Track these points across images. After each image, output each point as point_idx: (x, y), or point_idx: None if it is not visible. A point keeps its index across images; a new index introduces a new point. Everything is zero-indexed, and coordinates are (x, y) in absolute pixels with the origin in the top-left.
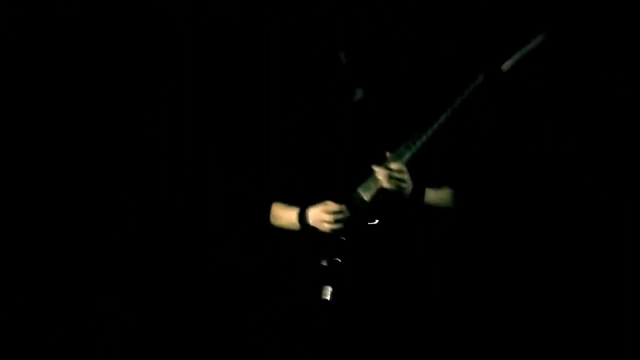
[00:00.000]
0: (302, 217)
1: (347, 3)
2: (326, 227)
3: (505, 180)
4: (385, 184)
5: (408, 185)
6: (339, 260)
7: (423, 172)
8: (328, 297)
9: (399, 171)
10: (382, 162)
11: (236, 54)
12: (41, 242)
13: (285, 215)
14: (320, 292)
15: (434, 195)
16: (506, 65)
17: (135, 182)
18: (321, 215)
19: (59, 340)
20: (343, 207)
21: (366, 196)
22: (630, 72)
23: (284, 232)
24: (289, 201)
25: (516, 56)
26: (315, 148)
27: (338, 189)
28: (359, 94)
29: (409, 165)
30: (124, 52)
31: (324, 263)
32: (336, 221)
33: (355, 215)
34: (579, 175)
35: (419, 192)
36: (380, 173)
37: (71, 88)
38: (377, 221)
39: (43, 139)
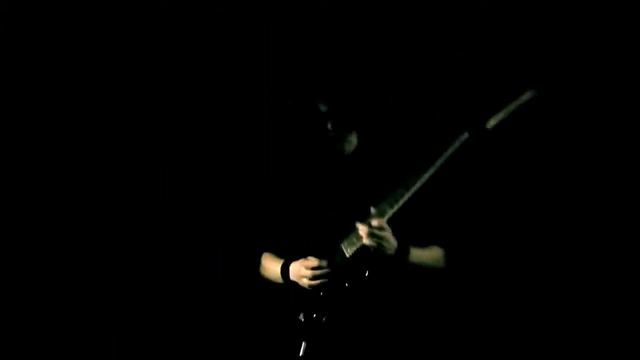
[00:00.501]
0: (284, 270)
1: (347, 3)
2: (304, 282)
3: (495, 236)
4: (366, 240)
5: (390, 244)
6: (314, 316)
7: (408, 230)
8: (301, 353)
9: (380, 228)
10: (366, 218)
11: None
12: (40, 242)
13: (271, 268)
14: (295, 347)
15: (420, 254)
16: (491, 123)
17: (133, 182)
18: (300, 270)
19: (58, 340)
20: (323, 262)
21: (348, 252)
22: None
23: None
24: (278, 252)
25: (502, 114)
26: (303, 200)
27: (323, 243)
28: (350, 146)
29: (394, 222)
30: (124, 52)
31: (301, 318)
32: (315, 277)
33: (335, 271)
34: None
35: (403, 250)
36: (362, 230)
37: (71, 88)
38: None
39: (43, 139)
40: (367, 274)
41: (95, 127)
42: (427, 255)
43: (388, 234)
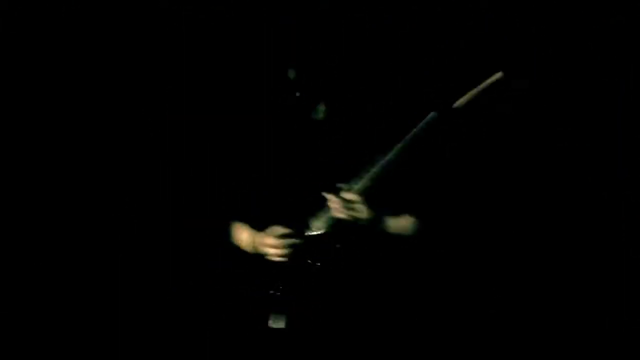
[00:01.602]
0: (250, 239)
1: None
2: (272, 251)
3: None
4: (339, 213)
5: (364, 215)
6: (281, 288)
7: (381, 201)
8: (270, 324)
9: (353, 201)
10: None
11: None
12: (38, 243)
13: (240, 235)
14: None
15: (394, 224)
16: (459, 103)
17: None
18: (266, 240)
19: (57, 340)
20: (288, 232)
21: (315, 226)
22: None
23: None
24: (247, 221)
25: (469, 95)
26: (268, 168)
27: (287, 215)
28: (319, 114)
29: (366, 195)
30: (124, 52)
31: (272, 291)
32: (280, 247)
33: (302, 245)
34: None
35: (377, 221)
36: (333, 202)
37: (71, 88)
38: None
39: (42, 139)
40: (337, 248)
41: (91, 127)
42: (400, 224)
43: (362, 206)
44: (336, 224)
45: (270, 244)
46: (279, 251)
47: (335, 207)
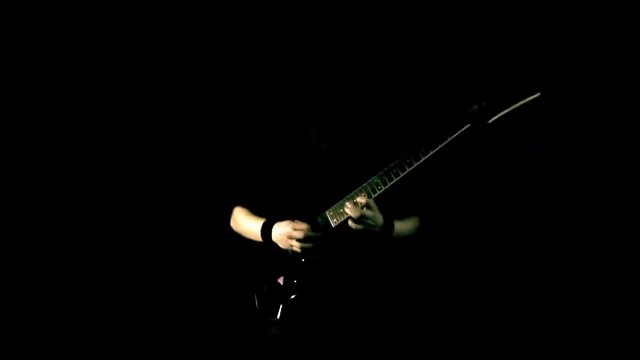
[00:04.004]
0: (266, 229)
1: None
2: (293, 244)
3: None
4: (353, 224)
5: (376, 223)
6: (295, 281)
7: (392, 205)
8: (278, 316)
9: (368, 207)
10: (355, 189)
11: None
12: (37, 242)
13: (247, 223)
14: (272, 309)
15: (401, 227)
16: (493, 119)
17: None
18: (289, 232)
19: (58, 340)
20: (308, 226)
21: (333, 221)
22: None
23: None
24: (254, 210)
25: (504, 111)
26: (291, 160)
27: (305, 208)
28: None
29: (380, 197)
30: (122, 52)
31: (280, 281)
32: (305, 240)
33: (319, 239)
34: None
35: (388, 227)
36: (350, 211)
37: (71, 88)
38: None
39: (42, 139)
40: (352, 247)
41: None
42: (408, 227)
43: (375, 213)
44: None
45: (296, 236)
46: (304, 245)
47: (351, 213)
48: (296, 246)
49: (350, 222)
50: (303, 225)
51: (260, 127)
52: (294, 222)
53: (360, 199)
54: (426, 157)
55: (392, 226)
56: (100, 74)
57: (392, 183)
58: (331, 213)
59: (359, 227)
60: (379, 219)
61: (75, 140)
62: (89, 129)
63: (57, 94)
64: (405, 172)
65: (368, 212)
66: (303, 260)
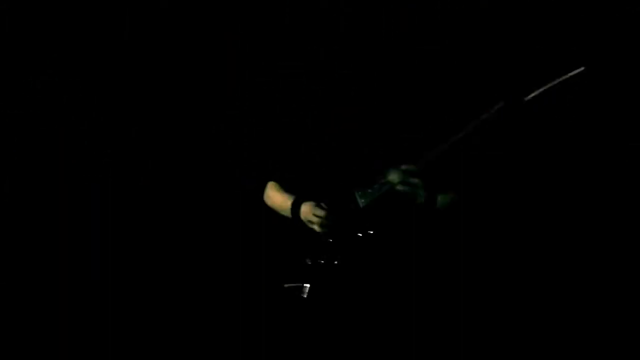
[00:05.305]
0: (295, 207)
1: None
2: (314, 227)
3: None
4: (400, 187)
5: (421, 188)
6: (322, 262)
7: (433, 179)
8: (305, 295)
9: (415, 174)
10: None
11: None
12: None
13: (279, 199)
14: (300, 288)
15: (442, 201)
16: (529, 96)
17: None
18: (310, 215)
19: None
20: (327, 213)
21: (361, 202)
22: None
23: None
24: (286, 185)
25: (541, 89)
26: (324, 138)
27: (337, 186)
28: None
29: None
30: (122, 51)
31: (308, 261)
32: (322, 225)
33: (344, 219)
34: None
35: (431, 198)
36: (395, 174)
37: (70, 87)
38: (371, 232)
39: (42, 139)
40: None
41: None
42: (446, 201)
43: (420, 181)
44: (385, 200)
45: (315, 221)
46: (322, 229)
47: (396, 178)
48: (315, 228)
49: (398, 187)
50: (322, 212)
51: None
52: (318, 206)
53: (406, 166)
54: (457, 138)
55: (435, 199)
56: (100, 74)
57: (428, 160)
58: (360, 193)
59: (405, 188)
60: (422, 187)
61: (85, 138)
62: (91, 130)
63: (57, 94)
64: (441, 150)
65: (412, 174)
66: (330, 240)
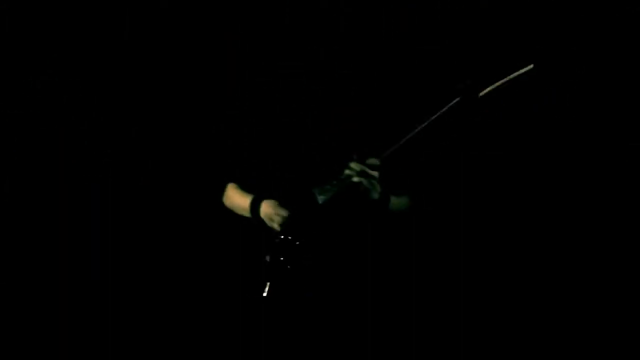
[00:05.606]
0: (254, 206)
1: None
2: (275, 225)
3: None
4: (357, 178)
5: (377, 184)
6: (281, 259)
7: (391, 177)
8: (265, 294)
9: (375, 168)
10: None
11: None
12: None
13: (238, 199)
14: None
15: (395, 203)
16: (484, 92)
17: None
18: (272, 215)
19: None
20: (288, 211)
21: (320, 199)
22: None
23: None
24: (245, 185)
25: (496, 84)
26: (282, 136)
27: (294, 185)
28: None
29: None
30: (122, 52)
31: (267, 259)
32: (283, 223)
33: (302, 216)
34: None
35: (385, 195)
36: (355, 166)
37: (70, 87)
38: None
39: (42, 139)
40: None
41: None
42: (401, 202)
43: (377, 174)
44: (341, 198)
45: (277, 220)
46: (282, 222)
47: (356, 169)
48: (276, 227)
49: (355, 178)
50: (284, 212)
51: (256, 115)
52: (279, 207)
53: (369, 159)
54: (415, 132)
55: (389, 197)
56: (100, 74)
57: (384, 155)
58: (318, 190)
59: (362, 180)
60: (377, 180)
61: (82, 138)
62: (91, 130)
63: (57, 93)
64: (395, 149)
65: (373, 172)
66: (290, 238)
